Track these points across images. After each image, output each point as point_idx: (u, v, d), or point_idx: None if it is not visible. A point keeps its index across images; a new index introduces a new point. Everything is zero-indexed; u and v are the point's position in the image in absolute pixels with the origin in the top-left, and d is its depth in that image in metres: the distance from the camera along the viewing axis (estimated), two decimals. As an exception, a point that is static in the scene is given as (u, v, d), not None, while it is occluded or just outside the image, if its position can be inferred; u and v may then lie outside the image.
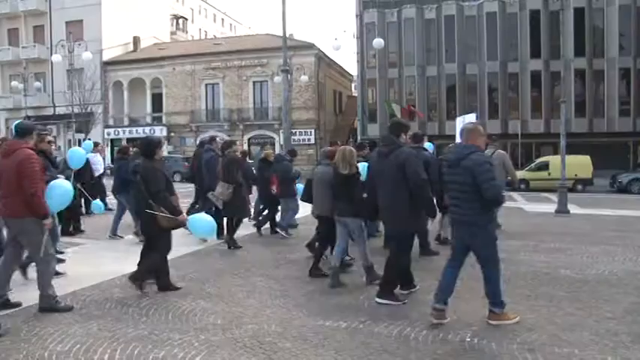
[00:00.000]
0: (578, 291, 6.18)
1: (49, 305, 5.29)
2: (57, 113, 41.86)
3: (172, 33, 58.51)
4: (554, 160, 24.20)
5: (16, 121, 5.55)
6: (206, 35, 69.81)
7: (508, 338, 4.59)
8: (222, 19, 79.70)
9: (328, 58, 42.99)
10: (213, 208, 9.03)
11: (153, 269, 6.10)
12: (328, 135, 41.18)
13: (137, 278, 6.02)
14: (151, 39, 48.03)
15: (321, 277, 6.73)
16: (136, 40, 46.20)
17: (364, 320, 5.08)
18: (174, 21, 61.93)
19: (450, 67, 35.90)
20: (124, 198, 9.68)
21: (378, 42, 21.93)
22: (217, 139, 10.43)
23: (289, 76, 20.32)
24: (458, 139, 5.66)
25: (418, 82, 36.68)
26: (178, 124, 41.34)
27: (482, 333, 4.72)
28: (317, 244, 7.42)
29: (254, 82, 40.83)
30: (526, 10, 34.52)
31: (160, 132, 40.63)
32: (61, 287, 6.18)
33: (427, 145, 8.54)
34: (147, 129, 40.68)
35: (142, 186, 5.89)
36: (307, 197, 7.86)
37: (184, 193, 16.29)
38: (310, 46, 40.03)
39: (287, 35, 14.73)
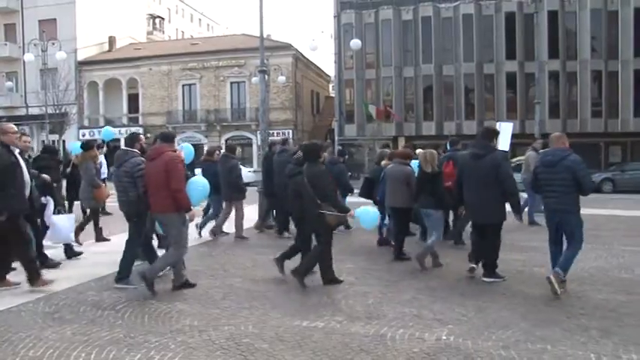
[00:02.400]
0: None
1: (148, 277, 5.95)
2: (30, 114, 41.02)
3: (149, 33, 57.88)
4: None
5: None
6: (183, 35, 69.21)
7: (483, 336, 4.66)
8: (200, 19, 79.12)
9: (306, 58, 42.97)
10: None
11: (313, 265, 6.54)
12: (306, 136, 41.15)
13: (300, 272, 6.37)
14: (127, 39, 47.45)
15: (406, 260, 7.71)
16: (112, 40, 45.57)
17: (341, 320, 5.11)
18: (151, 21, 61.26)
19: (426, 68, 36.19)
20: (212, 200, 9.85)
21: (355, 43, 22.03)
22: (290, 140, 10.99)
23: (267, 76, 20.27)
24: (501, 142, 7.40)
25: (395, 82, 36.88)
26: (155, 125, 40.85)
27: (458, 331, 4.78)
28: (395, 233, 8.21)
29: (231, 83, 40.61)
30: (501, 12, 34.99)
31: (136, 133, 40.09)
32: (34, 291, 6.10)
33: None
34: (123, 130, 40.18)
35: (308, 188, 6.33)
36: (367, 194, 8.94)
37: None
38: (288, 47, 39.98)
39: (264, 36, 14.70)
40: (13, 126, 6.25)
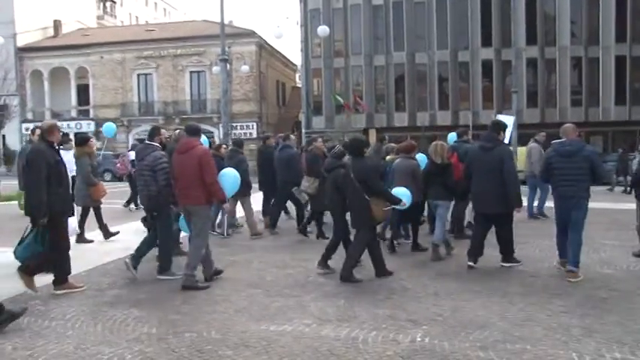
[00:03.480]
0: (531, 285, 6.42)
1: (192, 284, 6.34)
2: (-37, 106, 39.88)
3: (99, 17, 56.82)
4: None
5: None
6: (137, 21, 68.14)
7: (460, 336, 4.71)
8: (155, 4, 77.98)
9: (270, 46, 42.84)
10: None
11: (357, 258, 6.84)
12: (271, 129, 41.03)
13: (345, 278, 6.62)
14: (75, 23, 46.45)
15: (422, 250, 8.23)
16: (57, 25, 44.50)
17: (310, 323, 5.11)
18: (101, 4, 60.09)
19: (398, 56, 36.49)
20: None
21: (322, 30, 22.01)
22: (292, 136, 11.49)
23: (228, 65, 20.08)
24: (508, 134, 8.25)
25: (365, 72, 37.11)
26: (108, 118, 40.03)
27: (433, 332, 4.83)
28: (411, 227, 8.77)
29: (191, 73, 40.23)
30: (477, -4, 35.50)
31: (87, 127, 39.40)
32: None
33: (450, 136, 10.37)
34: (72, 124, 39.38)
35: (355, 183, 6.62)
36: None
37: (117, 193, 15.86)
38: (251, 34, 39.79)
39: (226, 22, 14.56)
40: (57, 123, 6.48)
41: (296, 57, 44.61)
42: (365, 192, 6.63)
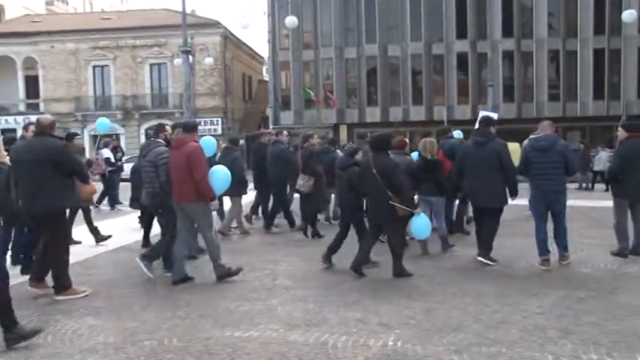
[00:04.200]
0: (507, 286, 6.52)
1: (224, 272, 6.81)
2: None
3: (48, 3, 55.70)
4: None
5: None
6: (92, 8, 66.96)
7: (433, 340, 4.77)
8: (111, -10, 76.85)
9: (236, 37, 42.59)
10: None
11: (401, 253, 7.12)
12: (237, 124, 40.89)
13: (356, 270, 6.96)
14: (20, 9, 45.38)
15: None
16: (0, 10, 43.36)
17: (278, 328, 5.11)
18: (52, -10, 58.97)
19: (370, 48, 36.64)
20: None
21: (291, 20, 21.97)
22: (284, 132, 11.71)
23: (191, 57, 19.90)
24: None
25: (336, 65, 37.18)
26: (60, 113, 39.21)
27: (405, 336, 4.88)
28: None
29: (151, 65, 39.73)
30: (451, -14, 35.85)
31: (36, 123, 38.52)
32: None
33: (456, 133, 10.52)
34: (20, 118, 38.46)
35: (378, 179, 6.85)
36: None
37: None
38: (215, 24, 39.48)
39: (188, 11, 14.45)
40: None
41: (263, 49, 44.43)
42: (389, 189, 6.90)
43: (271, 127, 35.53)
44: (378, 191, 6.90)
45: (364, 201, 7.48)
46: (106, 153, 14.81)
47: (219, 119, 38.72)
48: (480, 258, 7.66)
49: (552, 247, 7.66)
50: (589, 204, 13.93)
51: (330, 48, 37.07)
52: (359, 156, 7.93)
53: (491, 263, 7.56)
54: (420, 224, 7.27)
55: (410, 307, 5.73)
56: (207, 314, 5.59)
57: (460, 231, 9.91)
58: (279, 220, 11.17)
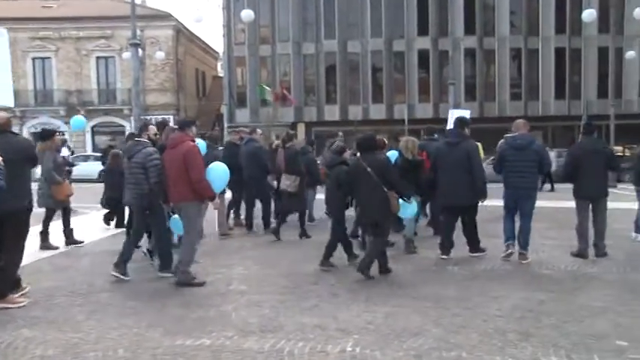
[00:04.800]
0: (467, 289, 6.65)
1: (187, 280, 6.76)
2: None
3: (-18, -10, 53.94)
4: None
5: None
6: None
7: (393, 345, 4.81)
8: (54, -21, 75.04)
9: (189, 31, 42.18)
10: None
11: (378, 254, 7.30)
12: (191, 122, 40.40)
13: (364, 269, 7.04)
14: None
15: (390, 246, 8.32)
16: None
17: (231, 335, 5.08)
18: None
19: (329, 44, 36.78)
20: None
21: (247, 14, 21.89)
22: (258, 130, 12.01)
23: (141, 51, 19.57)
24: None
25: (294, 60, 37.17)
26: (-4, 109, 38.35)
27: (364, 341, 4.91)
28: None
29: (97, 58, 38.96)
30: (413, -18, 36.28)
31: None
32: None
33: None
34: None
35: (374, 177, 7.04)
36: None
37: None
38: (167, 17, 39.00)
39: (138, 2, 14.24)
40: None
41: (218, 44, 44.18)
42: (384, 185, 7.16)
43: (226, 125, 35.33)
44: (374, 189, 7.09)
45: (350, 199, 7.82)
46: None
47: (171, 117, 38.18)
48: (471, 254, 8.34)
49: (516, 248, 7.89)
50: (553, 205, 14.25)
51: (287, 43, 37.05)
52: (347, 154, 8.20)
53: (482, 254, 8.31)
54: (409, 207, 7.67)
55: (369, 311, 5.77)
56: (157, 322, 5.50)
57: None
58: (256, 220, 11.27)
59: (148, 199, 7.14)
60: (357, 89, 37.04)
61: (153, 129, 7.76)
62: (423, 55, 36.54)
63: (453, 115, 12.55)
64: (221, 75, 43.71)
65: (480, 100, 36.27)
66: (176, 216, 7.31)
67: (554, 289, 6.61)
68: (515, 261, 8.05)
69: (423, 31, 36.29)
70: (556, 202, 14.59)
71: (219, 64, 49.03)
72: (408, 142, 8.90)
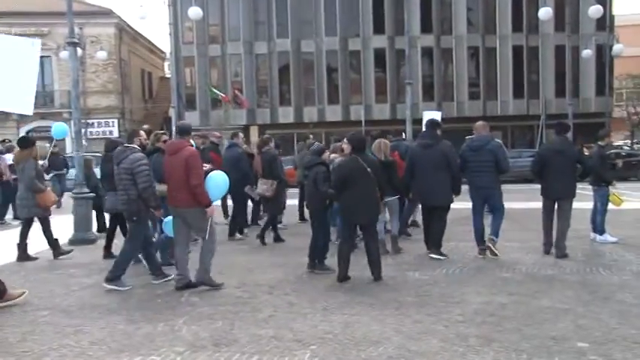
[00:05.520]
0: (427, 294, 6.74)
1: (205, 280, 7.15)
2: None
3: None
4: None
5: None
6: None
7: (352, 355, 4.84)
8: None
9: (133, 29, 41.64)
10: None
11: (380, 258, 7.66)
12: (136, 126, 39.77)
13: (378, 269, 7.45)
14: None
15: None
16: None
17: (182, 350, 5.02)
18: None
19: (282, 43, 36.78)
20: None
21: (195, 12, 21.77)
22: (240, 134, 12.09)
23: (80, 51, 19.21)
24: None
25: (245, 61, 37.05)
26: None
27: (322, 352, 4.92)
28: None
29: (33, 59, 38.01)
30: (368, -22, 36.59)
31: None
32: None
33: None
34: None
35: (372, 177, 7.38)
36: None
37: None
38: (108, 14, 38.37)
39: (75, -3, 13.94)
40: None
41: (164, 43, 43.67)
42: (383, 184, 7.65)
43: (174, 128, 34.90)
44: (372, 189, 7.39)
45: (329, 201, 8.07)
46: (9, 158, 14.05)
47: (116, 120, 37.66)
48: (431, 255, 8.75)
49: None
50: (516, 206, 14.57)
51: (238, 42, 36.90)
52: (326, 155, 8.37)
53: (442, 258, 8.64)
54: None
55: (326, 320, 5.78)
56: (101, 340, 5.39)
57: (404, 233, 10.52)
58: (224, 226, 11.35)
59: (137, 206, 7.28)
60: (312, 90, 37.14)
61: (144, 135, 8.04)
62: (380, 54, 36.88)
63: (426, 116, 13.20)
64: (168, 76, 43.21)
65: (439, 100, 36.78)
66: (169, 218, 7.55)
67: (515, 291, 6.76)
68: (478, 265, 8.20)
69: (378, 29, 36.63)
70: (519, 203, 14.92)
71: (166, 65, 48.49)
72: (381, 144, 9.24)
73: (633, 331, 5.30)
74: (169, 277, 7.56)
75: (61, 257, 9.58)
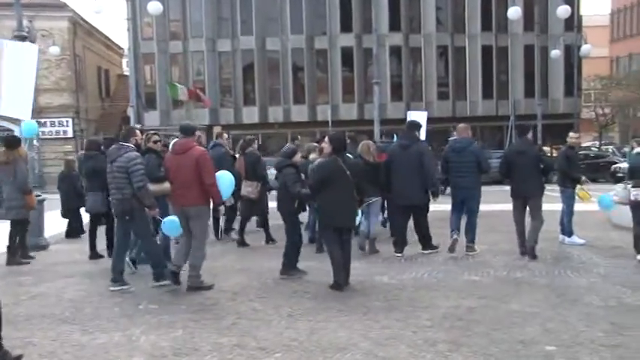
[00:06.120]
0: (396, 299, 6.80)
1: (197, 284, 7.35)
2: None
3: None
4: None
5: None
6: None
7: (318, 362, 4.86)
8: None
9: (88, 24, 41.00)
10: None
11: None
12: (93, 126, 39.35)
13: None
14: None
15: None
16: None
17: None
18: None
19: (246, 41, 36.66)
20: None
21: (154, 6, 21.52)
22: (225, 134, 12.24)
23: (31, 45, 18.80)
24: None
25: (208, 58, 36.84)
26: None
27: (287, 359, 4.92)
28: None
29: (-20, 54, 37.22)
30: (334, -25, 36.70)
31: None
32: None
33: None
34: None
35: (351, 180, 7.38)
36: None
37: None
38: (61, 7, 37.68)
39: (26, -10, 13.71)
40: None
41: (122, 38, 43.13)
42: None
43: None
44: (350, 192, 7.42)
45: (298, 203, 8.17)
46: None
47: (70, 120, 37.01)
48: (424, 251, 9.38)
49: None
50: (484, 208, 14.77)
51: (201, 39, 36.67)
52: (297, 157, 8.36)
53: (434, 251, 9.39)
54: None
55: (292, 327, 5.79)
56: (52, 353, 5.30)
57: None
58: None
59: (130, 205, 7.39)
60: (277, 89, 37.10)
61: (139, 134, 8.25)
62: (347, 53, 37.01)
63: (411, 116, 13.70)
64: (127, 73, 42.71)
65: (407, 100, 37.05)
66: (168, 219, 7.78)
67: (484, 295, 6.86)
68: (447, 269, 8.30)
69: (346, 27, 36.76)
70: (488, 205, 15.12)
71: (124, 62, 47.91)
72: (370, 146, 9.64)
73: (600, 334, 5.42)
74: (125, 287, 7.52)
75: (16, 265, 9.45)
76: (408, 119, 12.06)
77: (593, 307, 6.36)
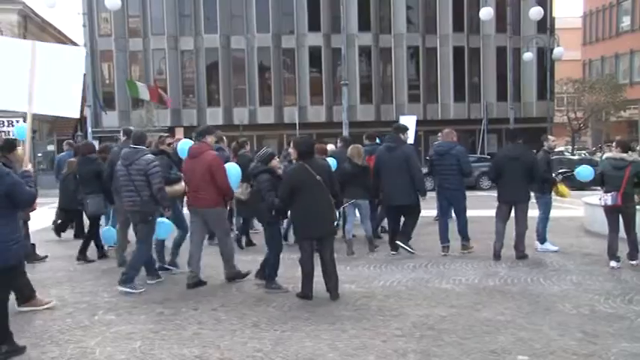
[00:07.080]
0: (365, 307, 6.81)
1: (234, 274, 8.15)
2: None
3: None
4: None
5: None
6: None
7: (283, 373, 4.84)
8: None
9: (40, 17, 40.37)
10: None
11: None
12: (46, 127, 38.71)
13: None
14: None
15: None
16: None
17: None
18: None
19: (210, 39, 36.52)
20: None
21: (112, 1, 21.30)
22: (224, 138, 12.05)
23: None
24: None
25: (170, 57, 36.62)
26: None
27: (252, 371, 4.91)
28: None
29: None
30: (303, -28, 36.77)
31: None
32: None
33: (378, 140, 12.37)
34: None
35: (324, 186, 7.28)
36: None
37: None
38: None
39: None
40: None
41: (77, 35, 42.55)
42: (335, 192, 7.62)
43: (90, 130, 34.08)
44: (324, 199, 7.29)
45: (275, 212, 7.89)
46: None
47: (20, 119, 36.33)
48: (400, 243, 9.73)
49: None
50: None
51: (162, 37, 36.43)
52: (275, 162, 8.06)
53: (410, 250, 9.71)
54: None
55: (256, 337, 5.76)
56: (5, 363, 5.22)
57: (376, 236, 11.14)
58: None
59: (151, 206, 7.84)
60: (243, 90, 37.01)
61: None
62: (315, 53, 37.10)
63: (401, 121, 14.32)
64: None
65: (377, 102, 37.28)
66: (162, 219, 8.25)
67: (455, 303, 6.91)
68: (417, 276, 8.34)
69: (314, 26, 36.84)
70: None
71: (80, 60, 47.25)
72: (359, 150, 10.17)
73: (573, 343, 5.51)
74: (139, 290, 7.74)
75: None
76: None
77: (566, 315, 6.45)
